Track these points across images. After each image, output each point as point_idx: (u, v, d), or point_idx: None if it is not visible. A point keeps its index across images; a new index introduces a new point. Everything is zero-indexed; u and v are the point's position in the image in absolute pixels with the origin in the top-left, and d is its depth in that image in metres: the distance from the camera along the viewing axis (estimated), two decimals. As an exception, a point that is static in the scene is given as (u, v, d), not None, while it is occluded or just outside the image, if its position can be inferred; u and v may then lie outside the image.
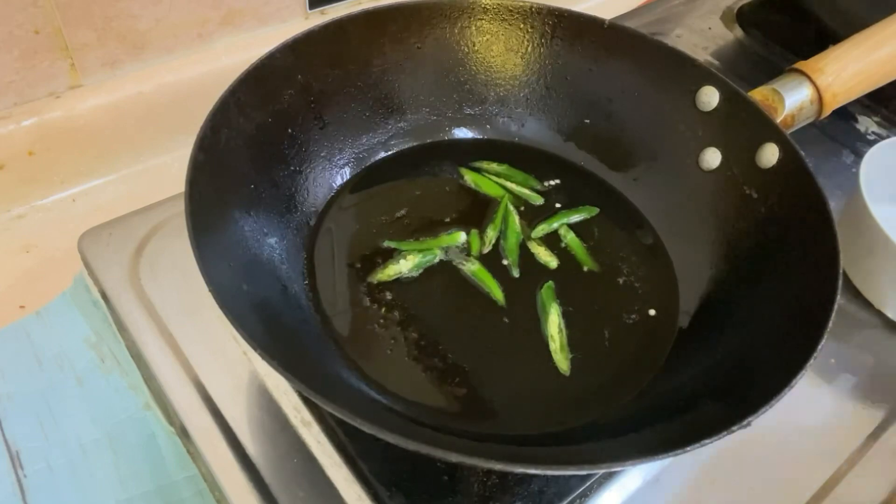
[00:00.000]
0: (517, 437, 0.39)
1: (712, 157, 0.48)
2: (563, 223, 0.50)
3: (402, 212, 0.49)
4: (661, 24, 0.74)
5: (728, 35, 0.74)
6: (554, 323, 0.44)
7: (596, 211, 0.51)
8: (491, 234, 0.48)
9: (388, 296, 0.44)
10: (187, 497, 0.39)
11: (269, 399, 0.41)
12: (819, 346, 0.34)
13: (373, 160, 0.52)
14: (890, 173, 0.53)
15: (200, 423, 0.39)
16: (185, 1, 0.55)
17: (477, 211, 0.50)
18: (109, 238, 0.47)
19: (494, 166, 0.53)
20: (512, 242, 0.48)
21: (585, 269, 0.47)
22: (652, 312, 0.45)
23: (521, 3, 0.51)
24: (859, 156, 0.51)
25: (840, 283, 0.36)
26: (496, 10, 0.52)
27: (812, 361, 0.33)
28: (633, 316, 0.45)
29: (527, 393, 0.41)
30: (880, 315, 0.50)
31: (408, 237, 0.48)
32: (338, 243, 0.47)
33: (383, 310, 0.44)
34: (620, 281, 0.47)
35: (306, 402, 0.41)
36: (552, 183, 0.52)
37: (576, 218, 0.50)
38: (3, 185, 0.52)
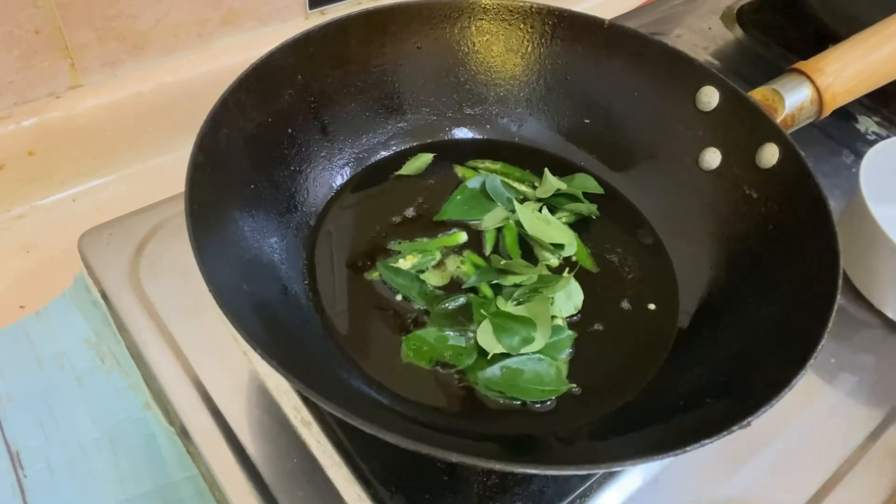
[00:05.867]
0: (517, 438, 0.39)
1: (712, 157, 0.48)
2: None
3: (402, 212, 0.49)
4: (661, 24, 0.74)
5: (728, 35, 0.74)
6: None
7: (594, 207, 0.50)
8: (490, 234, 0.48)
9: (388, 295, 0.44)
10: (187, 497, 0.39)
11: (269, 399, 0.41)
12: (819, 346, 0.34)
13: (373, 160, 0.52)
14: (890, 173, 0.52)
15: (200, 423, 0.39)
16: (185, 1, 0.55)
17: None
18: (109, 238, 0.47)
19: (489, 164, 0.53)
20: (510, 241, 0.48)
21: (584, 267, 0.47)
22: (652, 312, 0.45)
23: (521, 3, 0.51)
24: (859, 156, 0.51)
25: (840, 283, 0.36)
26: (496, 10, 0.52)
27: (812, 361, 0.33)
28: (633, 316, 0.45)
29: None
30: (880, 315, 0.50)
31: (407, 237, 0.48)
32: (338, 243, 0.47)
33: (383, 310, 0.44)
34: (620, 281, 0.47)
35: (306, 402, 0.41)
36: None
37: (574, 206, 0.50)
38: (3, 185, 0.52)
